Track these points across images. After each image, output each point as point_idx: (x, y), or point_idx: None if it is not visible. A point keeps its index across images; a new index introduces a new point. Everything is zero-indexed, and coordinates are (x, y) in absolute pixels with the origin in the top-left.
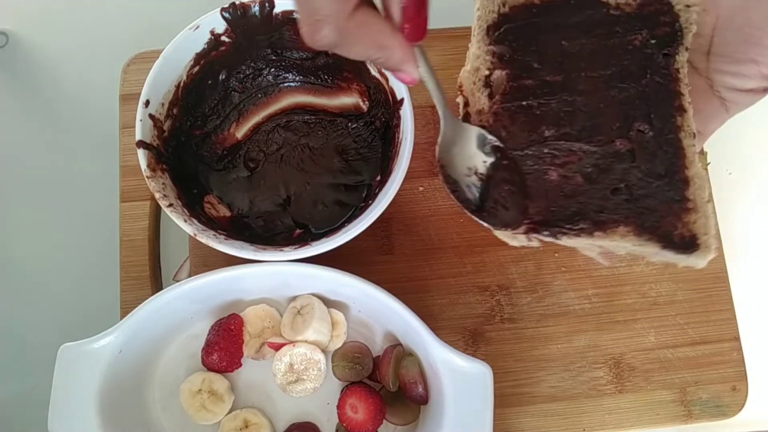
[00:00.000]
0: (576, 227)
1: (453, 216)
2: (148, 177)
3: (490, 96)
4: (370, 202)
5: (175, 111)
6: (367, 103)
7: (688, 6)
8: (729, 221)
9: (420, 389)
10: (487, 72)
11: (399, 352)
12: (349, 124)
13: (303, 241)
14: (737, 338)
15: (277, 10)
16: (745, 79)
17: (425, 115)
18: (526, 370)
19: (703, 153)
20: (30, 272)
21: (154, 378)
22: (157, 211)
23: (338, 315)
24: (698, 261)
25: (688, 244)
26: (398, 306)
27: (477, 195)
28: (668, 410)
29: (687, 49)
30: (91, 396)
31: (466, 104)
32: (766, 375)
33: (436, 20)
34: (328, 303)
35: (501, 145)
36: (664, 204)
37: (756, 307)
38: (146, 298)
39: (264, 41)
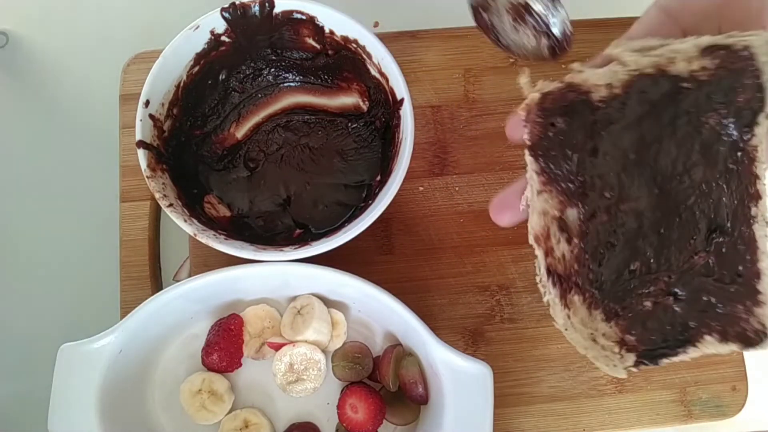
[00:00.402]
0: (672, 350)
1: (453, 216)
2: (148, 177)
3: (569, 241)
4: (370, 202)
5: (175, 111)
6: (367, 103)
7: None
8: None
9: (420, 389)
10: (557, 213)
11: (399, 352)
12: (349, 124)
13: (303, 241)
14: None
15: (277, 10)
16: None
17: (425, 115)
18: (526, 370)
19: None
20: (30, 272)
21: (154, 378)
22: (157, 211)
23: (338, 315)
24: (765, 347)
25: (760, 336)
26: (398, 306)
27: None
28: (668, 410)
29: (767, 117)
30: (91, 396)
31: (547, 255)
32: (766, 375)
33: (436, 20)
34: (328, 303)
35: None
36: (738, 304)
37: None
38: (146, 298)
39: (264, 41)
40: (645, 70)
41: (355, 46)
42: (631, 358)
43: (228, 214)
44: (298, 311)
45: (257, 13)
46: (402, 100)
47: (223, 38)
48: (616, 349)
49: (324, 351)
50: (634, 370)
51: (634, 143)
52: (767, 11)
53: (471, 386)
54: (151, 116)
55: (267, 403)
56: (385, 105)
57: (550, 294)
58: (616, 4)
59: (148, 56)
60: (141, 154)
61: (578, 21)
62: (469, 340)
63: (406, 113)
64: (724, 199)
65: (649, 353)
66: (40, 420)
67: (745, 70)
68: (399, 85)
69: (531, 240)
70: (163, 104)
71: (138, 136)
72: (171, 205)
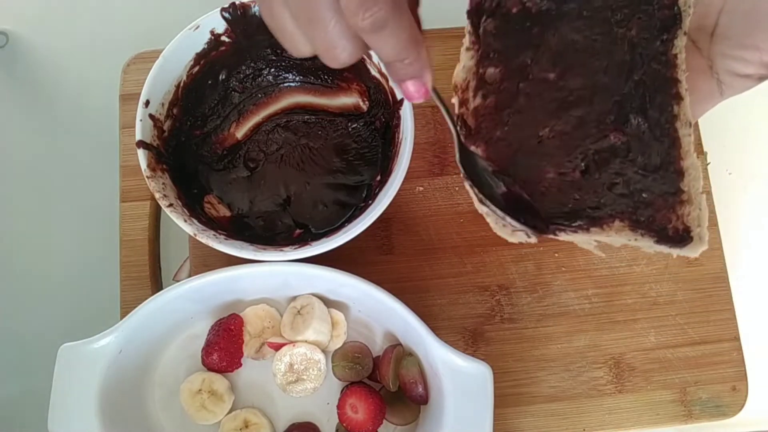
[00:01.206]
0: (574, 224)
1: (453, 216)
2: (148, 177)
3: (485, 96)
4: (370, 202)
5: (175, 111)
6: (367, 103)
7: None
8: (729, 221)
9: (420, 389)
10: (480, 70)
11: (399, 352)
12: (349, 124)
13: (303, 241)
14: (737, 338)
15: None
16: (745, 63)
17: (425, 115)
18: (526, 370)
19: (702, 153)
20: (30, 272)
21: (154, 378)
22: (157, 211)
23: (338, 315)
24: (691, 252)
25: (682, 236)
26: (398, 306)
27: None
28: (668, 410)
29: (685, 33)
30: (91, 396)
31: (462, 104)
32: (766, 375)
33: (436, 20)
34: (328, 303)
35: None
36: (659, 197)
37: (756, 307)
38: (146, 298)
39: (264, 41)
40: None
41: None
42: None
43: (228, 214)
44: (298, 311)
45: (257, 13)
46: (402, 100)
47: (223, 38)
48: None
49: (324, 351)
50: (527, 237)
51: (559, 23)
52: None
53: (471, 386)
54: (151, 116)
55: (267, 403)
56: (385, 105)
57: (456, 145)
58: None
59: (148, 56)
60: (141, 154)
61: None
62: (469, 340)
63: (406, 113)
64: (647, 91)
65: (542, 226)
66: (40, 420)
67: None
68: None
69: (453, 84)
70: (163, 104)
71: (138, 136)
72: (171, 205)
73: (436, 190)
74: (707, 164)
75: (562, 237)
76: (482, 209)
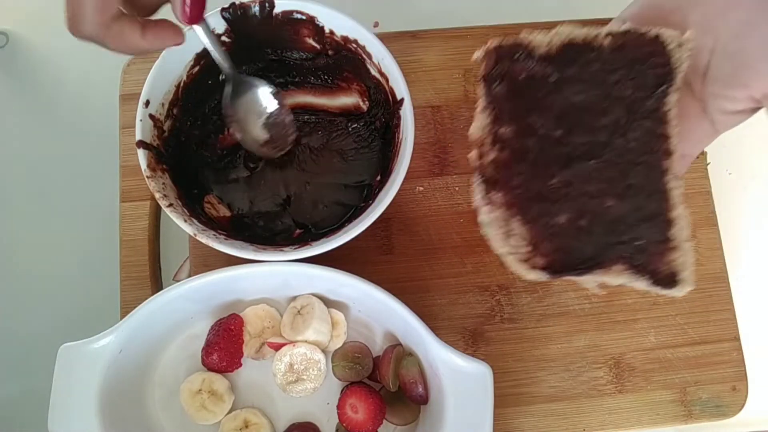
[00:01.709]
0: (581, 266)
1: (453, 216)
2: (148, 177)
3: (501, 149)
4: (370, 202)
5: (175, 111)
6: (367, 103)
7: (680, 45)
8: (729, 221)
9: (420, 389)
10: (495, 128)
11: (399, 352)
12: (349, 124)
13: (303, 241)
14: (737, 338)
15: (277, 10)
16: (735, 101)
17: (425, 115)
18: (526, 370)
19: (702, 153)
20: (30, 272)
21: (154, 378)
22: (157, 211)
23: (338, 315)
24: (678, 293)
25: (671, 280)
26: (398, 306)
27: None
28: (668, 410)
29: (678, 89)
30: (91, 396)
31: (480, 156)
32: (766, 375)
33: (436, 20)
34: (328, 303)
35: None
36: (651, 245)
37: (756, 307)
38: (146, 298)
39: (264, 41)
40: (575, 39)
41: (355, 46)
42: (541, 262)
43: (228, 214)
44: (298, 311)
45: (257, 13)
46: (402, 100)
47: (223, 38)
48: (528, 250)
49: (324, 351)
50: (542, 276)
51: (562, 88)
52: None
53: (471, 386)
54: (151, 116)
55: (267, 403)
56: (385, 105)
57: (476, 192)
58: (617, 4)
59: (148, 56)
60: (141, 154)
61: (578, 21)
62: (469, 340)
63: (406, 113)
64: (640, 150)
65: (554, 267)
66: (40, 420)
67: (655, 52)
68: (399, 85)
69: (470, 139)
70: (163, 104)
71: (138, 136)
72: (171, 205)
73: (436, 190)
74: (707, 164)
75: (570, 277)
76: (502, 249)
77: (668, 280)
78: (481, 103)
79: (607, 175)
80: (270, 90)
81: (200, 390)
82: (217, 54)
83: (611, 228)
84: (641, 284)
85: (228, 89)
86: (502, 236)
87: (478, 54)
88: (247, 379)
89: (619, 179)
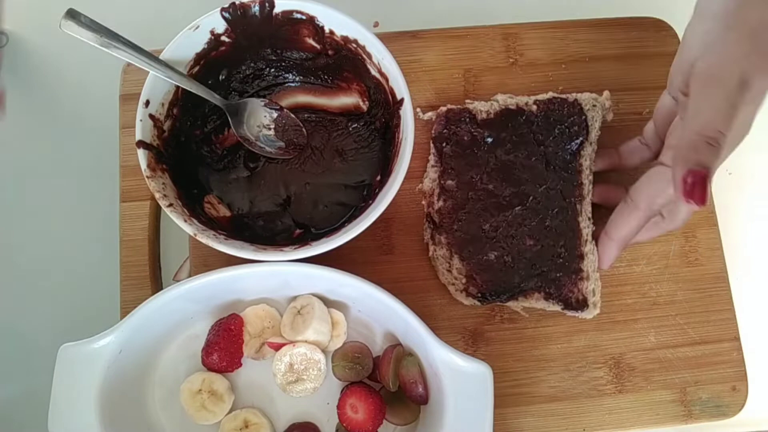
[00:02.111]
0: (507, 294)
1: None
2: (148, 177)
3: (445, 200)
4: (370, 202)
5: (175, 111)
6: (367, 103)
7: (594, 105)
8: (729, 221)
9: (420, 389)
10: (442, 181)
11: (399, 352)
12: (349, 124)
13: (303, 241)
14: (737, 338)
15: (277, 10)
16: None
17: None
18: (526, 370)
19: None
20: (30, 272)
21: (154, 378)
22: (157, 211)
23: (338, 315)
24: (587, 315)
25: (581, 305)
26: (398, 306)
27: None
28: (668, 410)
29: (591, 144)
30: (91, 396)
31: (429, 205)
32: (766, 375)
33: (436, 20)
34: (328, 303)
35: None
36: (565, 276)
37: (756, 307)
38: (146, 298)
39: (264, 41)
40: (509, 106)
41: (355, 46)
42: (474, 290)
43: (228, 214)
44: (298, 311)
45: (257, 13)
46: (402, 100)
47: (223, 38)
48: (464, 281)
49: (324, 351)
50: (475, 302)
51: (496, 148)
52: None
53: (471, 386)
54: (151, 116)
55: (267, 403)
56: (385, 105)
57: (426, 233)
58: (617, 3)
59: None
60: (141, 154)
61: (578, 21)
62: (469, 340)
63: (406, 113)
64: (558, 197)
65: (484, 295)
66: (40, 420)
67: (574, 112)
68: (399, 85)
69: (423, 191)
70: (163, 104)
71: (138, 136)
72: (171, 205)
73: None
74: None
75: (499, 303)
76: (444, 279)
77: (580, 304)
78: (431, 160)
79: (529, 219)
80: (261, 102)
81: (200, 390)
82: (202, 92)
83: (531, 263)
84: (557, 308)
85: (230, 120)
86: (445, 270)
87: (430, 114)
88: (247, 379)
89: (539, 222)
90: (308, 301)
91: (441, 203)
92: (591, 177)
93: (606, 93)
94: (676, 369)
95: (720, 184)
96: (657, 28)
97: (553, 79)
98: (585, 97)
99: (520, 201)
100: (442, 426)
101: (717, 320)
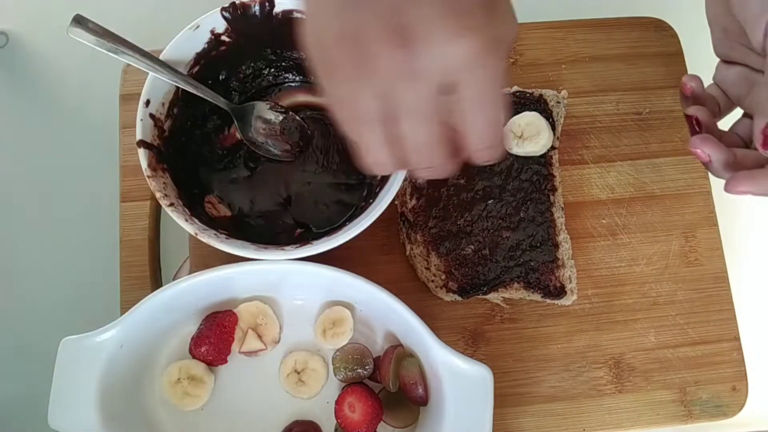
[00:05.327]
0: (487, 287)
1: None
2: (148, 177)
3: (418, 198)
4: (371, 201)
5: (175, 111)
6: None
7: (558, 102)
8: (729, 221)
9: (420, 390)
10: (412, 180)
11: (400, 353)
12: None
13: (304, 240)
14: (737, 338)
15: (277, 10)
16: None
17: None
18: (526, 370)
19: None
20: (30, 272)
21: (155, 373)
22: (157, 211)
23: (344, 312)
24: (566, 302)
25: (559, 292)
26: (399, 306)
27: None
28: (668, 410)
29: (558, 138)
30: (92, 390)
31: (402, 204)
32: (766, 375)
33: None
34: (332, 302)
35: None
36: (542, 265)
37: (756, 307)
38: None
39: (264, 41)
40: None
41: None
42: (454, 286)
43: (229, 213)
44: (299, 377)
45: (257, 13)
46: None
47: (223, 38)
48: (443, 277)
49: (324, 352)
50: (456, 297)
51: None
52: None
53: (471, 388)
54: (152, 116)
55: (267, 403)
56: None
57: (401, 232)
58: (617, 3)
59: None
60: (141, 153)
61: (578, 21)
62: (469, 340)
63: None
64: (531, 191)
65: (465, 289)
66: (40, 419)
67: (540, 108)
68: None
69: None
70: (163, 104)
71: (138, 136)
72: (172, 204)
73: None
74: None
75: (480, 295)
76: (423, 277)
77: (558, 291)
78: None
79: (504, 211)
80: (267, 105)
81: (179, 379)
82: (209, 95)
83: (509, 254)
84: (536, 297)
85: (236, 124)
86: (424, 268)
87: None
88: (245, 377)
89: (513, 214)
90: (310, 360)
91: (414, 202)
92: (560, 170)
93: (564, 92)
94: (676, 369)
95: (720, 184)
96: (657, 28)
97: (553, 79)
98: (549, 94)
99: (493, 194)
100: (442, 428)
101: (717, 320)
